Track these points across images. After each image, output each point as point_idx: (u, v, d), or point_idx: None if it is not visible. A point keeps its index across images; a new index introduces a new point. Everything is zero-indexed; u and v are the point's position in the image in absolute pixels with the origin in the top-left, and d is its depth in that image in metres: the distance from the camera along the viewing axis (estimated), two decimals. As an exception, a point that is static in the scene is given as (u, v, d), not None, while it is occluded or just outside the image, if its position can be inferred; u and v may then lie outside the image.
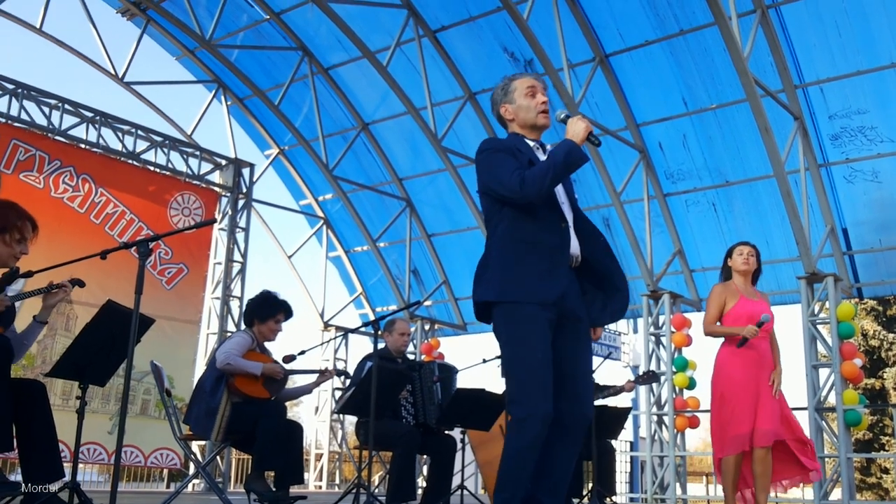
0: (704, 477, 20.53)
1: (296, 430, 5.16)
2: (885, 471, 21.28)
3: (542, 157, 3.30)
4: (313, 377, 5.51)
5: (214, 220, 11.60)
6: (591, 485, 6.80)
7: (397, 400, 5.77)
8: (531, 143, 3.34)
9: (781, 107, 9.61)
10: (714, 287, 5.45)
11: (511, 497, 3.03)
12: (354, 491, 4.73)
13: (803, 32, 9.51)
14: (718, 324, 5.39)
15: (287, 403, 5.86)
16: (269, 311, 5.32)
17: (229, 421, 4.93)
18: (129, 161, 10.97)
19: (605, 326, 18.15)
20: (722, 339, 5.41)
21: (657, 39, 10.22)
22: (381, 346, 6.30)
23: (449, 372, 6.27)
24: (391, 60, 11.16)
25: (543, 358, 3.08)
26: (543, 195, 3.16)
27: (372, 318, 14.79)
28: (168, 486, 14.25)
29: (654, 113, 10.93)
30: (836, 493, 10.05)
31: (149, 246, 3.16)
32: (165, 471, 13.41)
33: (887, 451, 20.37)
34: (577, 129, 3.15)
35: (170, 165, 11.40)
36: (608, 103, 10.95)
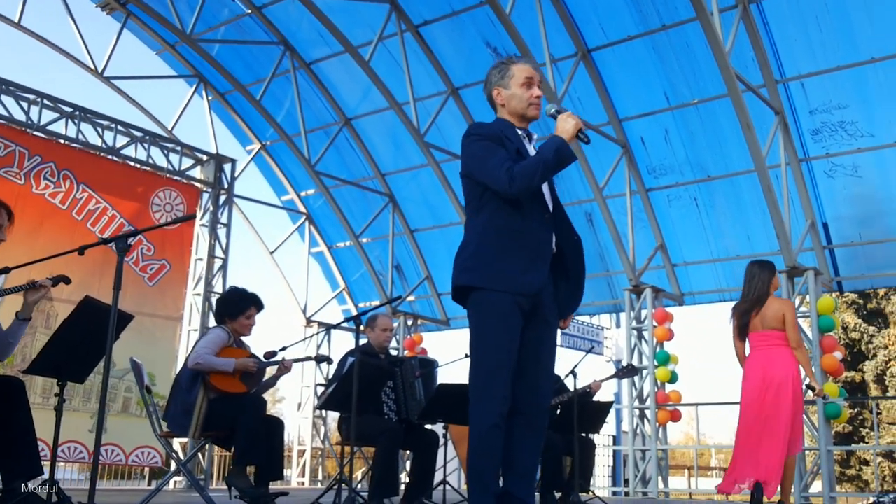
0: (686, 470, 20.64)
1: (276, 425, 5.13)
2: (865, 463, 21.46)
3: (529, 146, 3.31)
4: (285, 367, 5.43)
5: (193, 216, 11.52)
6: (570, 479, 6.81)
7: (379, 395, 5.76)
8: (519, 132, 3.32)
9: (763, 102, 9.66)
10: (792, 303, 5.90)
11: (483, 493, 3.07)
12: (336, 487, 4.72)
13: (784, 27, 9.56)
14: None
15: (269, 399, 5.83)
16: (238, 307, 5.28)
17: (206, 417, 4.91)
18: (110, 157, 10.88)
19: (579, 320, 18.21)
20: (780, 344, 5.78)
21: (639, 34, 10.25)
22: (363, 341, 6.29)
23: (430, 366, 6.27)
24: (373, 55, 11.14)
25: (508, 357, 3.11)
26: (532, 192, 3.16)
27: (355, 314, 14.78)
28: (149, 484, 14.17)
29: (637, 108, 10.96)
30: (817, 486, 10.15)
31: (127, 242, 3.12)
32: (147, 469, 13.35)
33: (867, 443, 20.56)
34: (566, 127, 3.13)
35: (150, 161, 11.31)
36: (590, 98, 10.97)
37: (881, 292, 22.68)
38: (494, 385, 3.08)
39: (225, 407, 4.92)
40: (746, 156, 9.61)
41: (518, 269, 3.14)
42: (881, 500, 7.90)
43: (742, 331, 5.89)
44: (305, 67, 12.72)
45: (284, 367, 5.38)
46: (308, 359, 5.96)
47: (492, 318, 3.14)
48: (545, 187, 3.31)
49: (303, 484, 13.62)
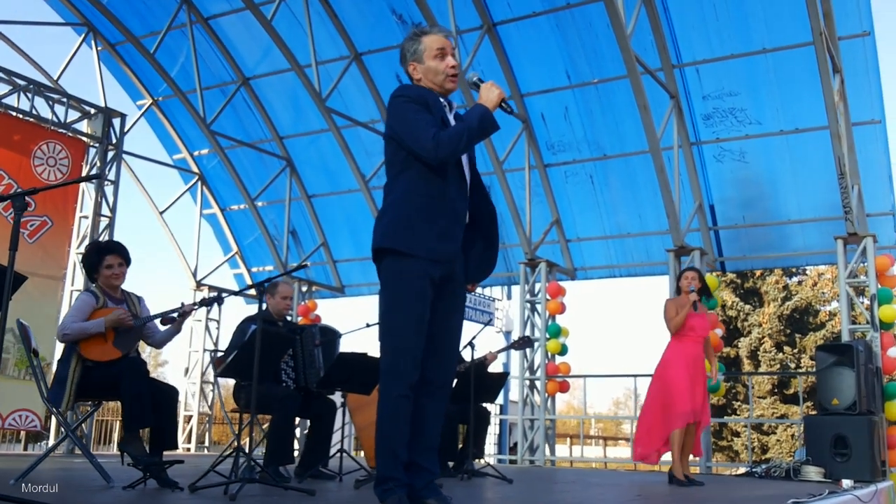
0: (569, 439, 21.30)
1: (170, 393, 4.96)
2: (737, 434, 22.63)
3: (450, 116, 3.33)
4: (182, 318, 5.18)
5: (99, 176, 11.00)
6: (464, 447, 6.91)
7: (278, 363, 5.69)
8: (441, 101, 3.34)
9: (659, 85, 9.92)
10: (667, 301, 6.69)
11: (392, 461, 3.09)
12: (234, 455, 4.64)
13: (684, 14, 9.83)
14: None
15: (151, 363, 5.62)
16: (95, 258, 4.99)
17: (80, 388, 4.68)
18: (-11, 105, 10.27)
19: (479, 289, 18.46)
20: (667, 341, 6.62)
21: (544, 11, 10.33)
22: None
23: (331, 335, 6.23)
24: (276, 14, 10.85)
25: (419, 324, 3.13)
26: (456, 158, 3.21)
27: (247, 277, 14.50)
28: (25, 449, 13.65)
29: (538, 84, 11.09)
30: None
31: (25, 200, 2.96)
32: (22, 433, 12.84)
33: (739, 416, 21.65)
34: (490, 96, 3.21)
35: (34, 112, 10.74)
36: (494, 72, 11.01)
37: (758, 273, 23.78)
38: (406, 354, 3.10)
39: (102, 376, 4.69)
40: (641, 137, 9.86)
41: (435, 235, 3.16)
42: (753, 470, 8.36)
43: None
44: (203, 22, 12.27)
45: (186, 311, 5.10)
46: (214, 301, 5.68)
47: (404, 285, 3.14)
48: (464, 157, 3.34)
49: (189, 450, 13.36)
